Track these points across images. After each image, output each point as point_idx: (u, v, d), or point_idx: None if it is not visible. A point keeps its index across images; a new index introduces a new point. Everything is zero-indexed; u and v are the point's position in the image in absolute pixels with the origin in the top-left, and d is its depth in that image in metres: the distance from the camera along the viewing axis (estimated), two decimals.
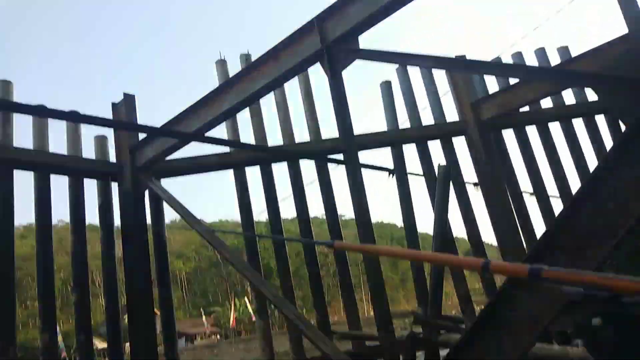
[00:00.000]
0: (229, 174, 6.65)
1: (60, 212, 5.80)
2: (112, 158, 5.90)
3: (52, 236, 5.51)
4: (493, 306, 3.03)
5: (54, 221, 6.05)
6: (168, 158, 5.76)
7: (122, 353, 5.62)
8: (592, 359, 4.41)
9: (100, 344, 34.56)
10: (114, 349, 5.54)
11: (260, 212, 6.81)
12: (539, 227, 6.69)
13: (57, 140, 5.90)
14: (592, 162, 7.38)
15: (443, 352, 5.31)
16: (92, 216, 5.94)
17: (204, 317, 55.14)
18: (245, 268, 5.19)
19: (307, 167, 7.22)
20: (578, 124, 7.65)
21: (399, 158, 7.19)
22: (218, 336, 53.65)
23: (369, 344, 6.56)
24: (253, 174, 6.72)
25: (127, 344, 5.81)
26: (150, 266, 5.73)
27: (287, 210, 10.17)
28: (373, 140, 6.83)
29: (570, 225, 2.75)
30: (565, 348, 5.06)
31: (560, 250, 2.77)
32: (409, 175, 7.29)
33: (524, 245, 6.19)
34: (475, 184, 7.54)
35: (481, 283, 7.00)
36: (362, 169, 4.90)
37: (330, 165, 6.99)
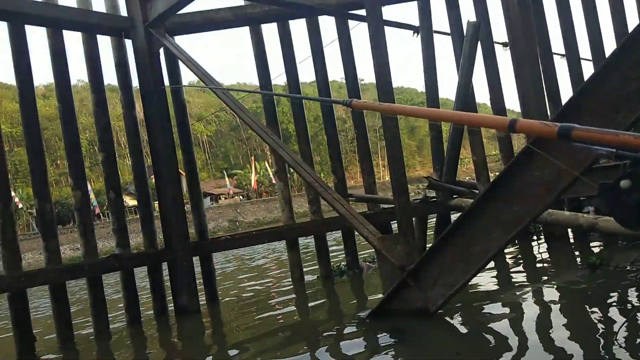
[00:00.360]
0: (246, 33, 6.40)
1: (79, 72, 5.76)
2: (124, 12, 5.68)
3: (72, 94, 5.54)
4: (509, 171, 3.04)
5: (74, 81, 6.04)
6: (180, 12, 5.53)
7: (152, 210, 5.98)
8: (600, 228, 4.54)
9: (130, 202, 36.98)
10: (144, 206, 5.88)
11: (278, 75, 6.65)
12: (567, 94, 6.44)
13: None
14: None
15: (455, 217, 5.52)
16: (110, 78, 5.89)
17: (226, 179, 57.61)
18: (264, 131, 5.23)
19: (327, 28, 6.89)
20: None
21: (425, 13, 6.77)
22: (240, 197, 56.59)
23: (384, 206, 6.84)
24: (270, 33, 6.46)
25: (156, 203, 6.14)
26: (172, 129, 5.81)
27: (306, 74, 9.94)
28: None
29: (601, 87, 2.62)
30: (575, 214, 5.20)
31: (588, 113, 2.68)
32: (434, 34, 6.93)
33: (549, 113, 6.02)
34: (504, 44, 7.13)
35: (499, 149, 7.01)
36: (385, 27, 4.64)
37: (351, 24, 6.63)
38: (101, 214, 44.34)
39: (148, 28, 5.43)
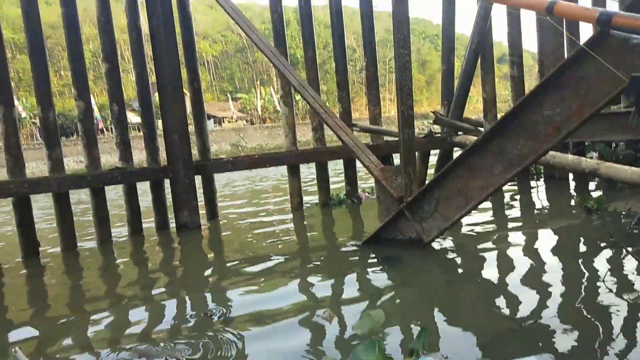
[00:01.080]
0: None
1: None
2: None
3: (75, 1, 5.35)
4: (519, 107, 2.99)
5: None
6: None
7: (155, 127, 5.95)
8: (602, 174, 4.53)
9: (134, 118, 36.81)
10: (147, 122, 5.84)
11: None
12: (587, 34, 6.20)
13: None
14: None
15: (457, 154, 5.51)
16: None
17: (231, 102, 56.99)
18: (272, 52, 5.09)
19: None
20: None
21: None
22: (244, 121, 56.26)
23: (388, 139, 6.81)
24: None
25: (160, 121, 6.09)
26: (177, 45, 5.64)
27: None
28: None
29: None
30: (579, 158, 5.19)
31: (603, 54, 2.59)
32: None
33: (565, 52, 5.83)
34: None
35: (510, 90, 6.87)
36: None
37: None
38: (104, 129, 44.33)
39: None
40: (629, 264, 2.84)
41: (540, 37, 5.86)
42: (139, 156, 9.86)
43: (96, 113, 38.46)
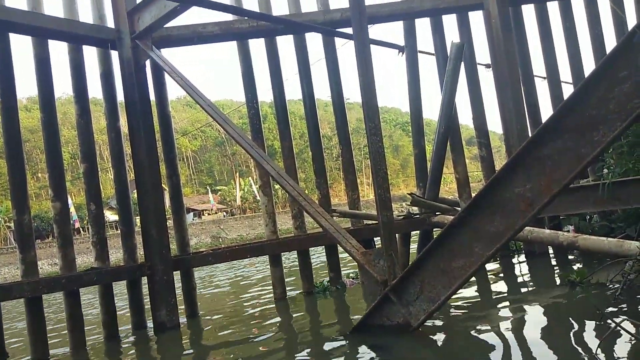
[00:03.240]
0: (233, 50, 6.44)
1: (63, 85, 5.72)
2: (111, 24, 5.68)
3: (55, 105, 5.48)
4: (490, 186, 3.08)
5: (58, 94, 5.99)
6: (167, 25, 5.56)
7: (133, 224, 5.90)
8: (580, 246, 4.61)
9: (112, 216, 36.43)
10: (125, 219, 5.80)
11: (265, 91, 6.70)
12: (548, 115, 6.60)
13: (52, 4, 5.67)
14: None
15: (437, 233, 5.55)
16: (95, 91, 5.85)
17: (210, 195, 57.21)
18: (249, 144, 5.23)
19: (314, 46, 6.97)
20: (602, 3, 7.17)
21: (410, 33, 6.92)
22: (224, 213, 56.16)
23: (368, 222, 6.86)
24: (257, 48, 6.51)
25: (138, 218, 6.06)
26: (157, 142, 5.77)
27: (292, 92, 10.00)
28: (384, 11, 6.45)
29: (579, 106, 2.69)
30: (555, 232, 5.28)
31: (567, 131, 2.74)
32: (419, 54, 7.07)
33: (529, 132, 6.14)
34: (487, 66, 7.29)
35: (481, 170, 7.11)
36: (371, 46, 4.71)
37: (338, 43, 6.74)
38: (81, 229, 43.59)
39: (135, 40, 5.44)
40: (617, 335, 2.79)
41: (504, 119, 6.19)
42: (117, 255, 9.65)
43: (73, 213, 37.99)
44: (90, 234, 5.67)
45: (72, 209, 37.60)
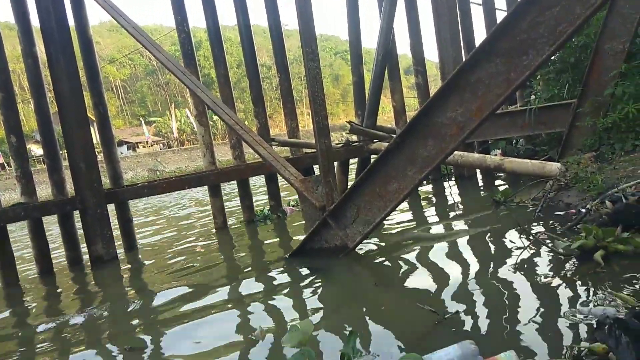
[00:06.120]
0: None
1: None
2: None
3: None
4: (424, 112, 3.14)
5: None
6: None
7: (59, 157, 5.57)
8: (505, 169, 4.88)
9: (38, 150, 34.22)
10: (50, 152, 5.46)
11: (198, 17, 6.27)
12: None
13: None
14: None
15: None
16: (8, 14, 5.26)
17: (144, 126, 54.84)
18: (182, 72, 4.98)
19: None
20: None
21: None
22: (161, 145, 54.31)
23: (307, 151, 6.88)
24: None
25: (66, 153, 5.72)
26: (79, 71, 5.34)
27: (228, 18, 9.48)
28: None
29: (510, 31, 2.73)
30: (484, 156, 5.54)
31: (497, 57, 2.80)
32: None
33: (463, 59, 6.23)
34: None
35: (417, 97, 7.22)
36: None
37: None
38: (5, 164, 40.90)
39: None
40: (536, 248, 3.06)
41: (440, 46, 6.23)
42: (47, 190, 9.19)
43: None
44: (14, 168, 5.33)
45: None
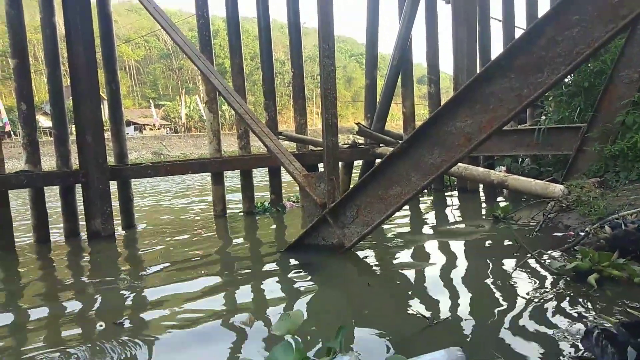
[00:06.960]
0: None
1: None
2: None
3: None
4: (434, 119, 3.15)
5: None
6: None
7: (67, 128, 5.60)
8: (509, 186, 4.88)
9: (46, 122, 34.31)
10: (58, 122, 5.49)
11: (218, 5, 6.29)
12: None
13: None
14: None
15: None
16: None
17: (153, 109, 54.92)
18: (197, 55, 5.00)
19: None
20: None
21: None
22: (167, 129, 54.37)
23: (313, 149, 6.90)
24: None
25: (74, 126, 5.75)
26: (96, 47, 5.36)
27: (247, 9, 9.47)
28: None
29: (528, 47, 2.74)
30: (488, 171, 5.55)
31: (512, 72, 2.81)
32: None
33: (478, 71, 6.25)
34: (447, 0, 7.22)
35: (428, 107, 7.23)
36: None
37: None
38: (12, 132, 41.02)
39: None
40: (532, 265, 3.06)
41: (456, 57, 6.24)
42: (51, 162, 9.22)
43: (3, 115, 35.42)
44: (21, 136, 5.35)
45: (2, 111, 35.09)
